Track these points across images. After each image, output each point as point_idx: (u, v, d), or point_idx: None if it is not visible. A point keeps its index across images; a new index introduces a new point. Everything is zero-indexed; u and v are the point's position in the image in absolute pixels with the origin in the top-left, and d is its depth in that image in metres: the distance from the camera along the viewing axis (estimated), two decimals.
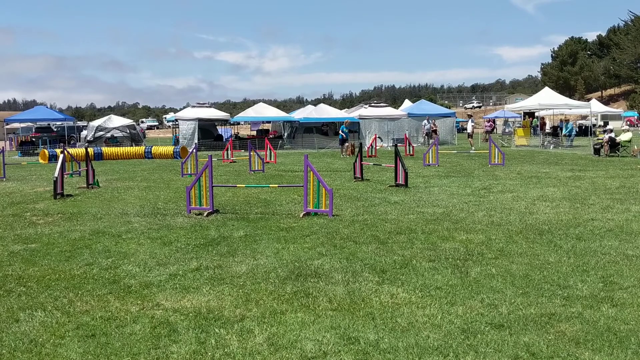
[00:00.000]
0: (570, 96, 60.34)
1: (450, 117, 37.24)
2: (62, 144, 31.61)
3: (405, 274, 5.84)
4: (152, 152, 26.58)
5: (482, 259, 6.39)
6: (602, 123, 42.97)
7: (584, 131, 37.99)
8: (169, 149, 26.95)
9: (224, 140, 33.86)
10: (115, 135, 33.99)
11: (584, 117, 47.14)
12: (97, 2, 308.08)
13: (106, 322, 4.63)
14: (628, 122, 35.09)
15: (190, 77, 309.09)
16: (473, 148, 28.05)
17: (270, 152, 22.36)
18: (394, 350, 3.98)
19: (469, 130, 31.03)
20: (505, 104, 75.13)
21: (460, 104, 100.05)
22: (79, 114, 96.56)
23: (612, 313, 4.63)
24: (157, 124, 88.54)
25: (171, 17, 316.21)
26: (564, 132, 31.57)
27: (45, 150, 25.96)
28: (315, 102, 58.18)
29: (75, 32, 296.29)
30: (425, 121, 32.83)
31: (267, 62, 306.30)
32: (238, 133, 43.09)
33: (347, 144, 25.16)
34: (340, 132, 25.70)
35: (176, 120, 35.93)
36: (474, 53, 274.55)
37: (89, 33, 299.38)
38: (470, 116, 36.03)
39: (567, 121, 33.37)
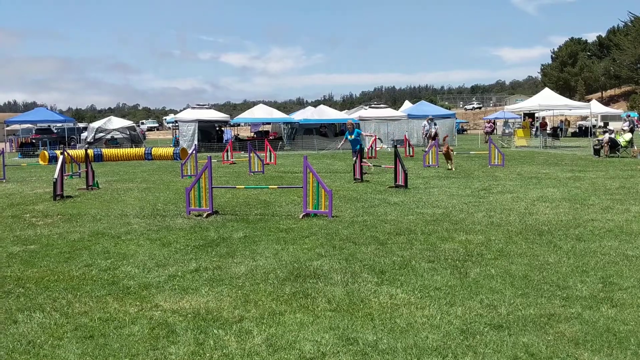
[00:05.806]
0: (571, 97, 60.27)
1: (450, 117, 37.26)
2: (62, 146, 31.60)
3: (404, 275, 5.84)
4: (152, 153, 26.58)
5: (482, 260, 6.38)
6: (602, 124, 42.93)
7: (583, 132, 37.98)
8: (169, 150, 26.93)
9: (224, 141, 33.85)
10: (115, 136, 34.03)
11: (584, 118, 47.11)
12: (103, 4, 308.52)
13: (104, 323, 4.62)
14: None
15: (193, 79, 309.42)
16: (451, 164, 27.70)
17: (270, 154, 22.37)
18: (392, 351, 3.97)
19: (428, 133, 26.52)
20: (505, 104, 75.10)
21: (461, 105, 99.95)
22: (79, 115, 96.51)
23: (612, 314, 4.62)
24: (157, 125, 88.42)
25: (176, 19, 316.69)
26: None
27: (45, 151, 25.96)
28: (316, 104, 58.26)
29: (81, 34, 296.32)
30: (425, 122, 32.80)
31: (269, 64, 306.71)
32: (238, 134, 43.08)
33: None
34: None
35: (176, 121, 35.94)
36: (474, 54, 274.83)
37: (95, 35, 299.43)
38: (431, 120, 28.19)
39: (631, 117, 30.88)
